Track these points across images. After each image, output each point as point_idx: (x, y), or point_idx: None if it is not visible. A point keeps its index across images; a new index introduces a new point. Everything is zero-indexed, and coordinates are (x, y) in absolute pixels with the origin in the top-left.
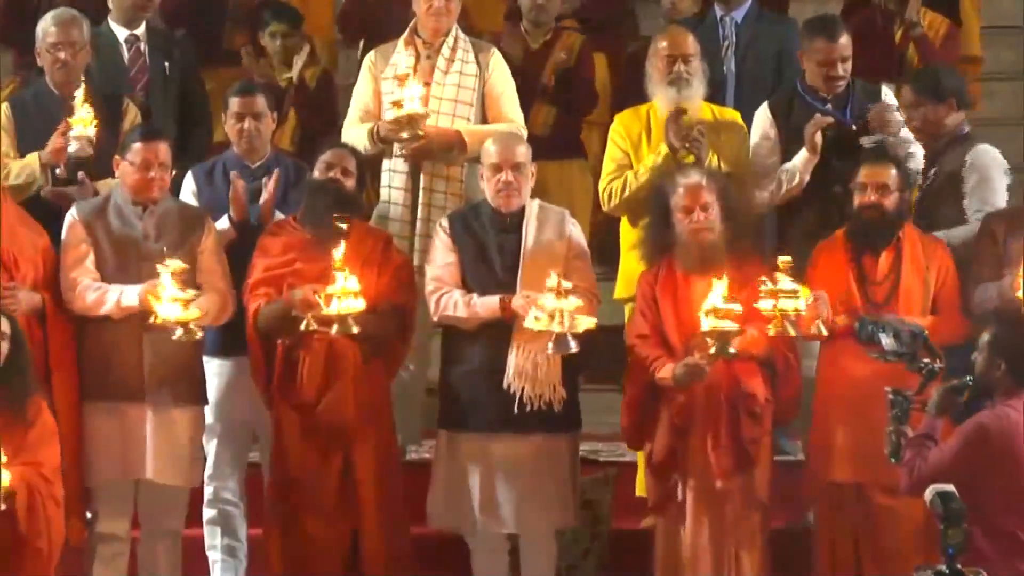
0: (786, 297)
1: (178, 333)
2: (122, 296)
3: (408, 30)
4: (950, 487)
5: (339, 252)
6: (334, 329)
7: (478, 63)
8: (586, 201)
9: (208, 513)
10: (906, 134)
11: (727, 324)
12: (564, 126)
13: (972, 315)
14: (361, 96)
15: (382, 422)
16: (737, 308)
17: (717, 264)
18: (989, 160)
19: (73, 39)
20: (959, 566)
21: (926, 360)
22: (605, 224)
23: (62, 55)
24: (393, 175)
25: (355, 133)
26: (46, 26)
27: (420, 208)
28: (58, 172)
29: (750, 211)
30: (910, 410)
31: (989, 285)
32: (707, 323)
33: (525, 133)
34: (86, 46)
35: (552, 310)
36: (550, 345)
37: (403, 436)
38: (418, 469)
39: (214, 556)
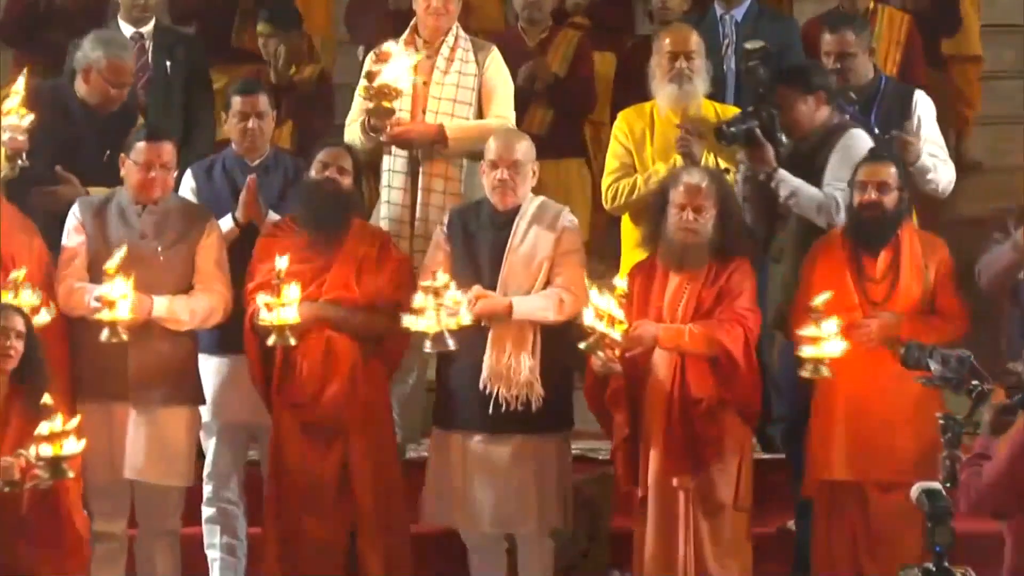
0: (602, 319)
1: (105, 334)
2: (90, 298)
3: (408, 29)
4: (935, 484)
5: (282, 262)
6: (271, 339)
7: (477, 62)
8: (585, 199)
9: (207, 511)
10: (925, 159)
11: (600, 326)
12: (562, 125)
13: (981, 280)
14: (361, 95)
15: (380, 421)
16: (618, 313)
17: (696, 266)
18: (861, 144)
19: (127, 77)
20: (946, 563)
21: (975, 383)
22: (606, 222)
23: (112, 92)
24: (392, 175)
25: (354, 130)
26: (108, 53)
27: (419, 208)
28: (20, 162)
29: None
30: (962, 434)
31: (995, 248)
32: (587, 318)
33: None
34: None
35: (421, 307)
36: (428, 343)
37: (403, 435)
38: (418, 468)
39: (213, 555)
